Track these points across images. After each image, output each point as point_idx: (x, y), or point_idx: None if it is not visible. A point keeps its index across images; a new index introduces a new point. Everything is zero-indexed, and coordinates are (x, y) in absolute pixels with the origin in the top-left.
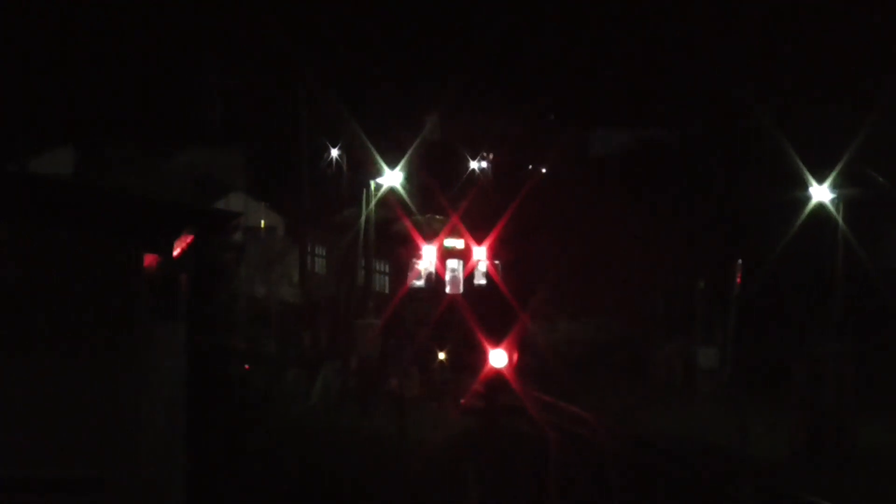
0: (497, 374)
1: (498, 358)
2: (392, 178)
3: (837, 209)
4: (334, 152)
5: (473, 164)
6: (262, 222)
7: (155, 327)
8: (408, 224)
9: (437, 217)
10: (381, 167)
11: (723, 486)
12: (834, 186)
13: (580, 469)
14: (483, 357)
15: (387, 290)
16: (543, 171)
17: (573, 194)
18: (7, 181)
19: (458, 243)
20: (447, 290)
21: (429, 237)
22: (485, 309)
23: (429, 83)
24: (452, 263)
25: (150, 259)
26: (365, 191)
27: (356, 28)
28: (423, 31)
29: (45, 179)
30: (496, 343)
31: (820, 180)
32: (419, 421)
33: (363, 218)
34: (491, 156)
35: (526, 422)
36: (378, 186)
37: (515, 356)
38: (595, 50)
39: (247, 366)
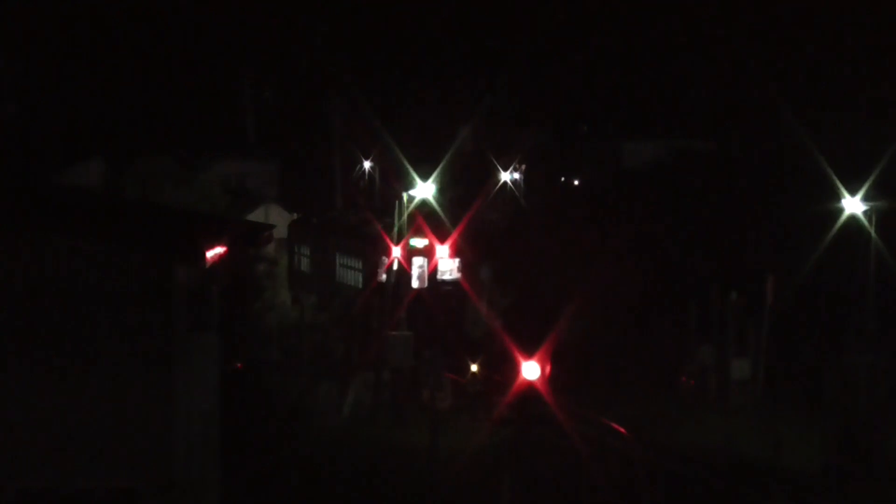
0: (529, 386)
1: (531, 370)
2: (424, 189)
3: (870, 221)
4: (366, 164)
5: (505, 176)
6: None
7: (188, 338)
8: (378, 226)
9: (404, 220)
10: (413, 178)
11: (757, 498)
12: (866, 198)
13: (613, 482)
14: (516, 369)
15: (360, 286)
16: (576, 182)
17: (604, 204)
18: (39, 193)
19: (422, 243)
20: (413, 285)
21: (397, 237)
22: (515, 318)
23: (462, 95)
24: (418, 261)
25: (183, 271)
26: (397, 202)
27: (388, 41)
28: (455, 44)
29: (79, 192)
30: (529, 355)
31: (852, 192)
32: (452, 433)
33: (395, 229)
34: (523, 167)
35: (558, 434)
36: (410, 198)
37: (548, 368)
38: (628, 61)
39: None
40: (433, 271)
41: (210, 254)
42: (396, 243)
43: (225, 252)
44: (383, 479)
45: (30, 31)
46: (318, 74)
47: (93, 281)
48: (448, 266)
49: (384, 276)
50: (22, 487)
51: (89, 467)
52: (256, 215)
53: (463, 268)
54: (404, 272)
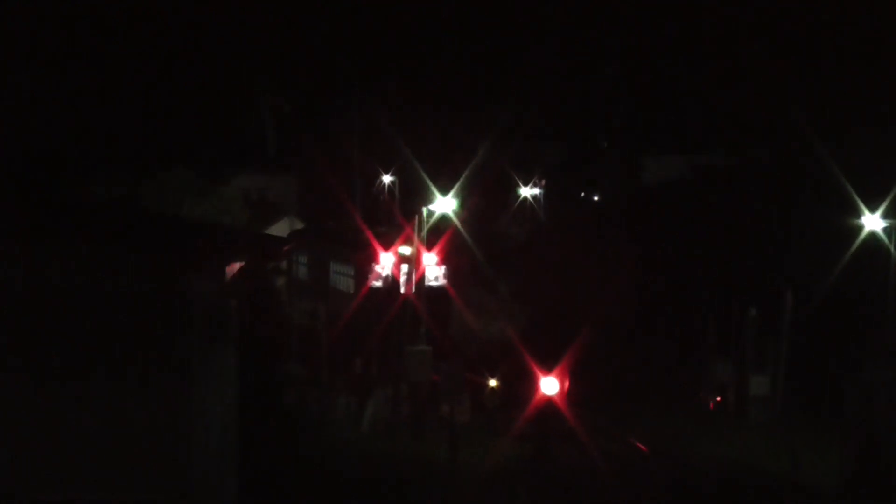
0: (548, 401)
1: (549, 385)
2: (444, 204)
3: (890, 237)
4: (386, 178)
5: (525, 190)
6: None
7: (207, 351)
8: (369, 235)
9: (394, 228)
10: (432, 192)
11: None
12: (886, 215)
13: (632, 498)
14: (534, 384)
15: (351, 291)
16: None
17: (623, 219)
18: (60, 203)
19: (410, 250)
20: (401, 290)
21: (386, 245)
22: (535, 333)
23: (483, 110)
24: (405, 268)
25: (201, 284)
26: (417, 216)
27: (409, 57)
28: (476, 59)
29: (98, 203)
30: (548, 370)
31: (872, 209)
32: (470, 447)
33: (415, 244)
34: (543, 182)
35: (577, 449)
36: (430, 213)
37: (567, 383)
38: (649, 76)
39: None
40: (420, 278)
41: (230, 267)
42: (417, 257)
43: (245, 265)
44: (402, 493)
45: (53, 42)
46: (339, 88)
47: (110, 294)
48: (434, 273)
49: (378, 284)
50: (38, 500)
51: (106, 479)
52: (279, 228)
53: (450, 275)
54: (396, 281)
